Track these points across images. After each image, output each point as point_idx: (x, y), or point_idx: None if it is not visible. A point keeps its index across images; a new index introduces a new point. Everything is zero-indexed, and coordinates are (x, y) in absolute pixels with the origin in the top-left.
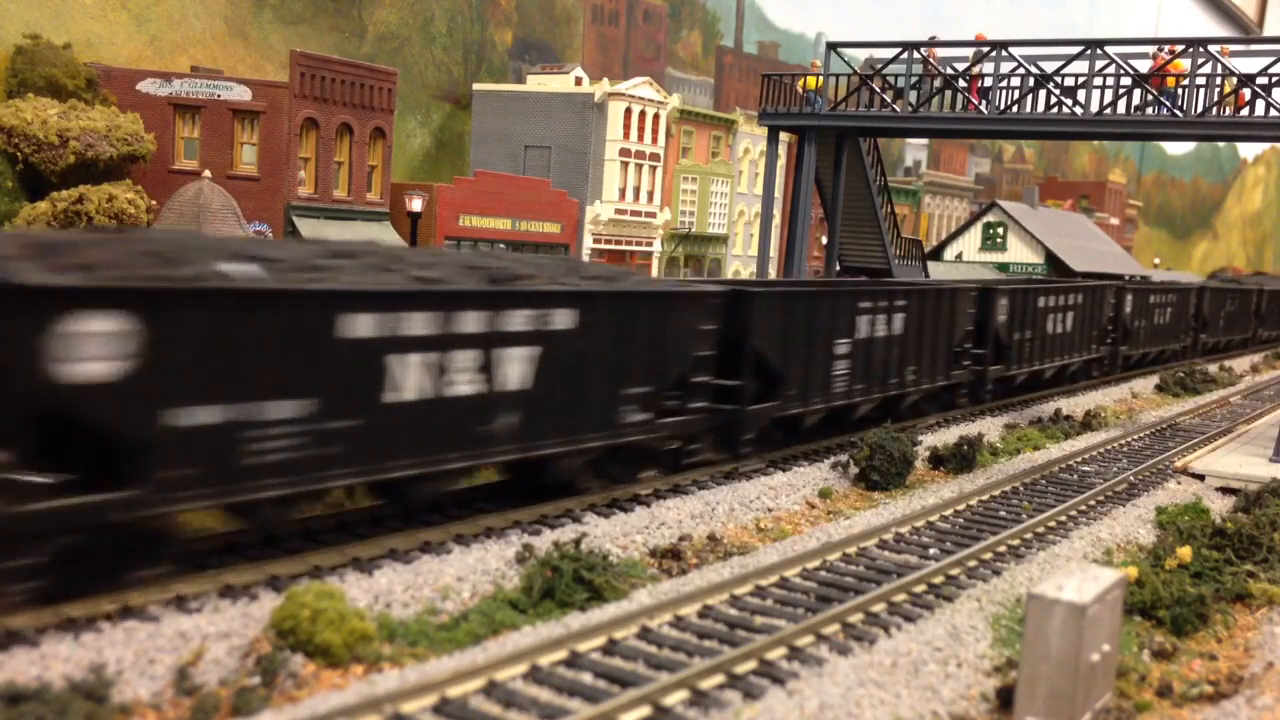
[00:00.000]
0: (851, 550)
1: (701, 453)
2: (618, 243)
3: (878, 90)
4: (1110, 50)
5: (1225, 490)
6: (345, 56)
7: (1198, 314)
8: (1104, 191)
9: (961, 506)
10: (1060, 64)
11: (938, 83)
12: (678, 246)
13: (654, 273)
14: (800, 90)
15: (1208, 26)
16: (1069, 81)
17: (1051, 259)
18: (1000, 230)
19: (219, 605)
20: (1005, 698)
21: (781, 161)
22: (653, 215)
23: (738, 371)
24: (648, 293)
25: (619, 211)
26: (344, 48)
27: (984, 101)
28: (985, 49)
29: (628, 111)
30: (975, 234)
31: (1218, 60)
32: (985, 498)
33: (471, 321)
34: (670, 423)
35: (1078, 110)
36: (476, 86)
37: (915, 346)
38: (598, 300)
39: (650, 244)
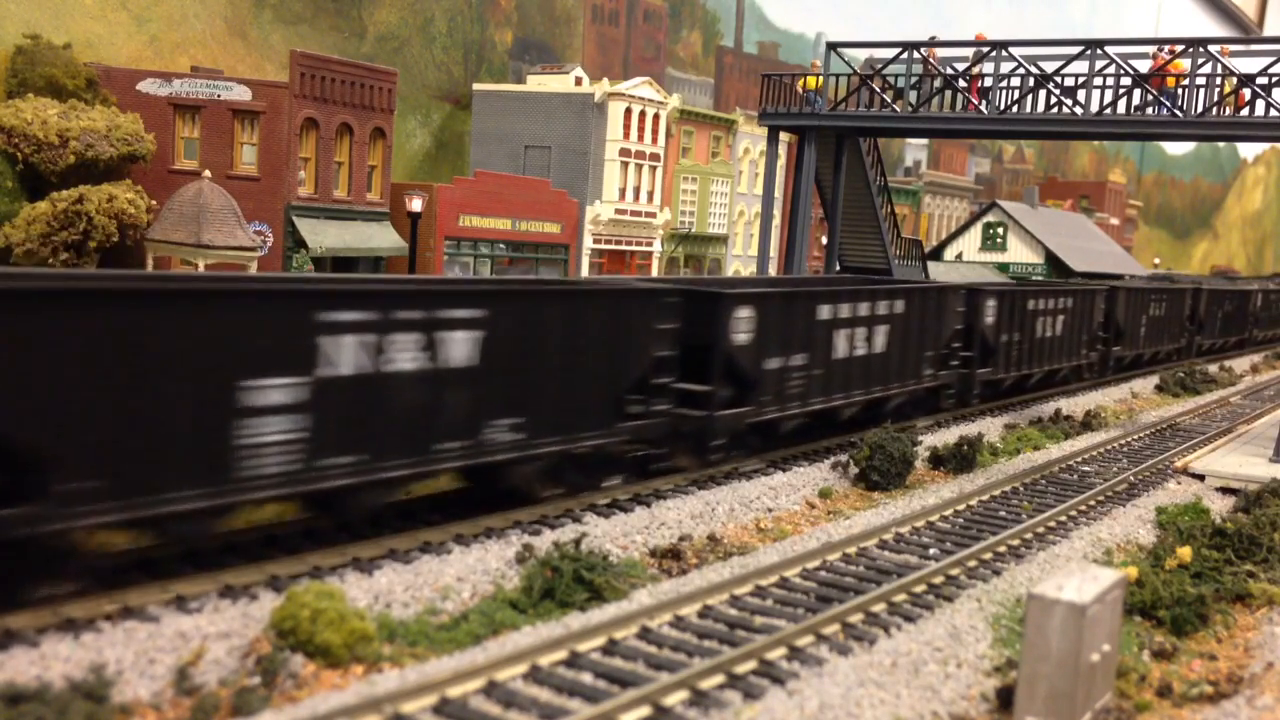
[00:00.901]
0: (851, 550)
1: None
2: (618, 243)
3: (878, 90)
4: (1110, 50)
5: (1225, 490)
6: (345, 56)
7: (1108, 322)
8: (1104, 191)
9: (961, 506)
10: (1060, 64)
11: (938, 83)
12: (678, 247)
13: (654, 273)
14: (800, 90)
15: (1208, 26)
16: (1069, 81)
17: (1051, 259)
18: (1000, 230)
19: (219, 605)
20: (1005, 698)
21: (781, 161)
22: (653, 215)
23: None
24: None
25: (619, 211)
26: (344, 48)
27: (984, 101)
28: (985, 49)
29: (628, 111)
30: (975, 234)
31: (1218, 60)
32: (985, 498)
33: None
34: None
35: (1078, 110)
36: (476, 86)
37: (513, 385)
38: None
39: (650, 244)
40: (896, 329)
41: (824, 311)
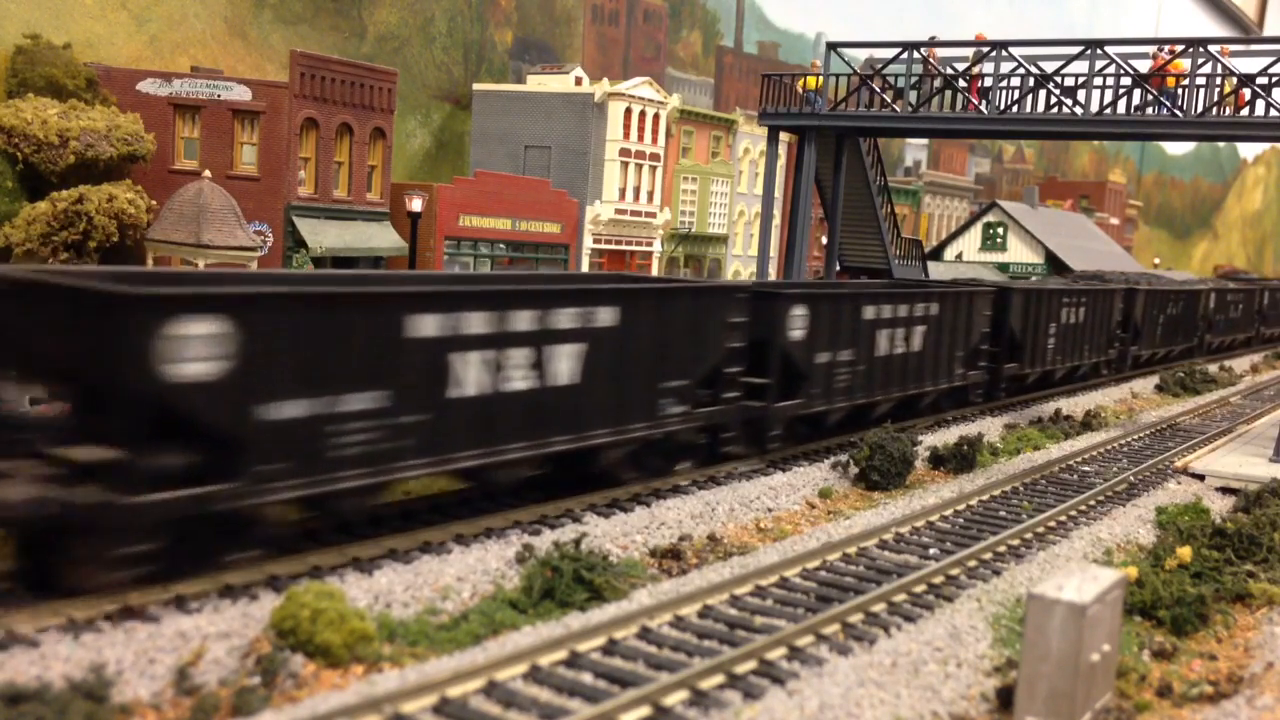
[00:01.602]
0: (851, 550)
1: None
2: (618, 243)
3: (878, 90)
4: (1110, 50)
5: (1225, 490)
6: (345, 56)
7: (999, 333)
8: (1104, 191)
9: (961, 506)
10: (1060, 64)
11: (938, 83)
12: (678, 246)
13: (654, 272)
14: (800, 90)
15: (1208, 26)
16: (1069, 81)
17: (1052, 259)
18: (1000, 230)
19: (219, 605)
20: (1005, 698)
21: (781, 161)
22: (653, 215)
23: None
24: None
25: (619, 211)
26: (344, 48)
27: (984, 101)
28: (985, 49)
29: (628, 111)
30: (975, 234)
31: (1218, 60)
32: (985, 498)
33: None
34: None
35: (1078, 110)
36: (476, 86)
37: None
38: None
39: (650, 244)
40: (602, 350)
41: (427, 325)
